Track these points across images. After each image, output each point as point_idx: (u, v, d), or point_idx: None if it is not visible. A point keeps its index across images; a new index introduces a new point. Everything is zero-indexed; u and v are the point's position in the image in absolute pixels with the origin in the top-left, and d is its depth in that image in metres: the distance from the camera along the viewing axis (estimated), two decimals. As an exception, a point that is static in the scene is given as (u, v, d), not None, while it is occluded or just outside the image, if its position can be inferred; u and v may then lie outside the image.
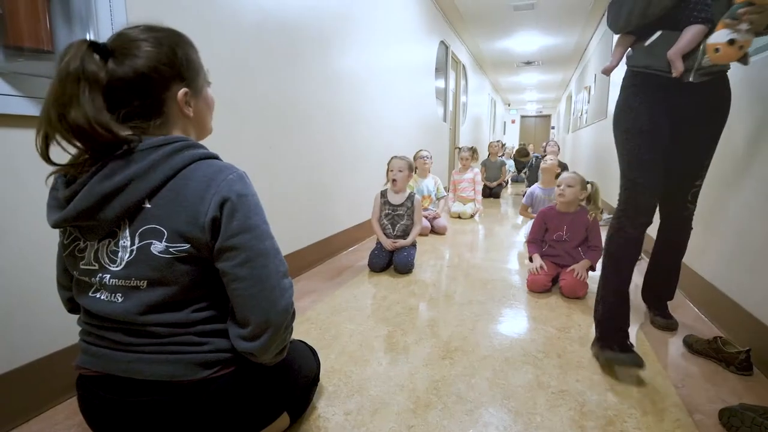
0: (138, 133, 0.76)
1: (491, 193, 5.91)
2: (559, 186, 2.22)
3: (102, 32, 1.22)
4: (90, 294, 0.80)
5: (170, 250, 0.76)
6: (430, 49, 5.15)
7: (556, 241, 2.25)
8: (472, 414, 1.18)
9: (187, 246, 0.76)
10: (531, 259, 2.29)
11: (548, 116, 17.57)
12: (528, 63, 8.40)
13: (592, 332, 1.69)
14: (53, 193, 0.79)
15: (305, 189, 2.49)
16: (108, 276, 0.77)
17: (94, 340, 0.82)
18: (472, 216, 4.33)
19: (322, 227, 2.71)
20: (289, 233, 2.34)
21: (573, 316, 1.85)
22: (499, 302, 2.02)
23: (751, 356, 1.38)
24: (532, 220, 2.53)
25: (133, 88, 0.76)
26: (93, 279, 0.78)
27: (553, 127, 16.69)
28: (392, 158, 2.58)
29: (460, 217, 4.30)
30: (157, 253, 0.75)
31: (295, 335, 1.68)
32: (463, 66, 7.21)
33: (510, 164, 7.10)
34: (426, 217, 3.59)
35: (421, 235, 3.49)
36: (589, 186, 2.22)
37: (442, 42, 5.64)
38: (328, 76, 2.65)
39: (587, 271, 2.16)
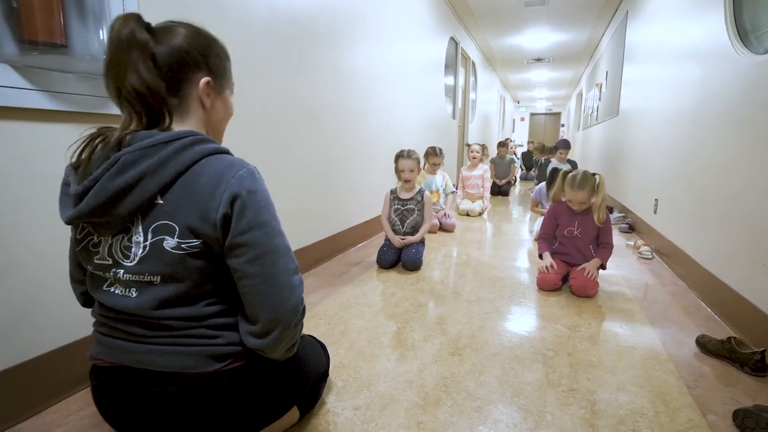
0: (161, 107, 0.78)
1: (500, 190, 5.88)
2: (570, 202, 2.17)
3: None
4: (104, 288, 0.80)
5: (182, 245, 0.76)
6: (440, 46, 5.11)
7: (566, 237, 2.22)
8: (481, 411, 1.17)
9: (199, 242, 0.76)
10: (541, 257, 2.27)
11: (558, 114, 17.39)
12: (538, 60, 8.32)
13: (602, 331, 1.68)
14: (65, 189, 0.79)
15: (314, 185, 2.49)
16: (122, 271, 0.78)
17: (109, 331, 0.82)
18: (480, 213, 4.31)
19: (330, 224, 2.71)
20: (297, 230, 2.34)
21: (583, 315, 1.84)
22: (509, 300, 2.01)
23: (766, 357, 1.36)
24: (542, 216, 2.50)
25: (165, 63, 0.78)
26: (107, 274, 0.79)
27: (563, 125, 16.54)
28: (398, 158, 2.55)
29: (468, 215, 4.28)
30: (169, 249, 0.75)
31: (304, 330, 1.69)
32: (473, 63, 7.16)
33: (519, 162, 7.04)
34: (435, 213, 3.58)
35: (429, 232, 3.48)
36: (596, 177, 2.17)
37: (451, 38, 5.60)
38: (337, 73, 2.64)
39: (598, 269, 2.14)
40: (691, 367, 1.42)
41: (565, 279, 2.20)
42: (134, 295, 0.78)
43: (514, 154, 7.92)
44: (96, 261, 0.80)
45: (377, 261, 2.51)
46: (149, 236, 0.76)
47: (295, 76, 2.21)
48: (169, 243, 0.76)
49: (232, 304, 0.85)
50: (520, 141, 14.27)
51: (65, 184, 0.80)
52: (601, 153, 5.97)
